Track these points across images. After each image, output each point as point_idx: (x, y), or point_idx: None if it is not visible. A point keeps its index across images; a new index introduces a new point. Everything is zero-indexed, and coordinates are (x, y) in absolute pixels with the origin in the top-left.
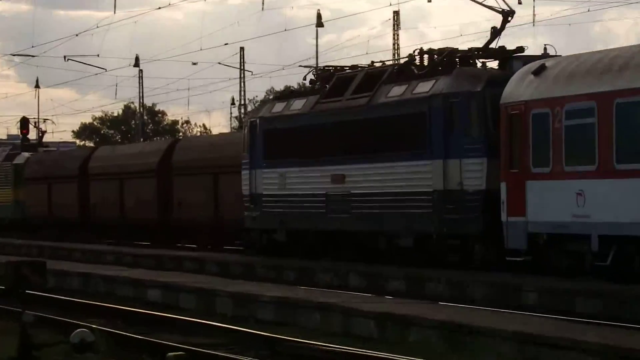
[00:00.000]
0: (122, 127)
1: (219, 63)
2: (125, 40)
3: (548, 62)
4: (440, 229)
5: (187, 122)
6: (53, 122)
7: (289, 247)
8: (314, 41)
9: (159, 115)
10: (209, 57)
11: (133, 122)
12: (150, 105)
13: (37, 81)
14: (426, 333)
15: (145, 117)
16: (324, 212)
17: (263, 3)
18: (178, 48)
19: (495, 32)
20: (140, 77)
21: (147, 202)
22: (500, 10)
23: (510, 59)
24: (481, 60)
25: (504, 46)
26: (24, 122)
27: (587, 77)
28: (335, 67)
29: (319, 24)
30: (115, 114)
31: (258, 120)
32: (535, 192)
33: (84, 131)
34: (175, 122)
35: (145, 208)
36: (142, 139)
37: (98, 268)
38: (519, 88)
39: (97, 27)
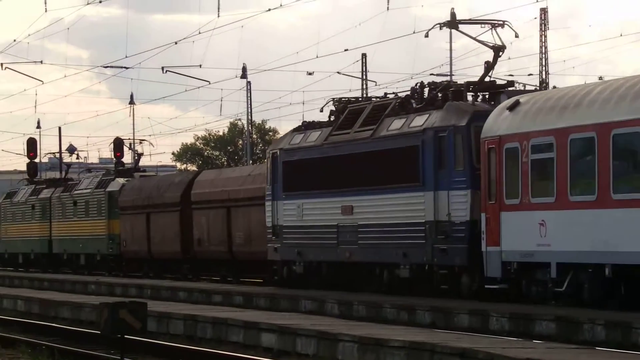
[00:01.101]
0: (228, 147)
1: (338, 72)
2: (231, 47)
3: (522, 98)
4: (432, 259)
5: None
6: (150, 144)
7: (306, 279)
8: (448, 45)
9: (270, 133)
10: (327, 66)
11: (240, 141)
12: (260, 122)
13: (131, 97)
14: None
15: (254, 136)
16: (336, 243)
17: (388, 2)
18: (291, 56)
19: (488, 67)
20: (248, 90)
21: (258, 233)
22: (492, 45)
23: (498, 93)
24: (479, 93)
25: (494, 80)
26: (118, 144)
27: (550, 114)
28: (349, 98)
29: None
30: (220, 133)
31: (278, 152)
32: (508, 223)
33: (185, 153)
34: None
35: (256, 241)
36: (251, 161)
37: (205, 309)
38: (496, 123)
39: (199, 33)
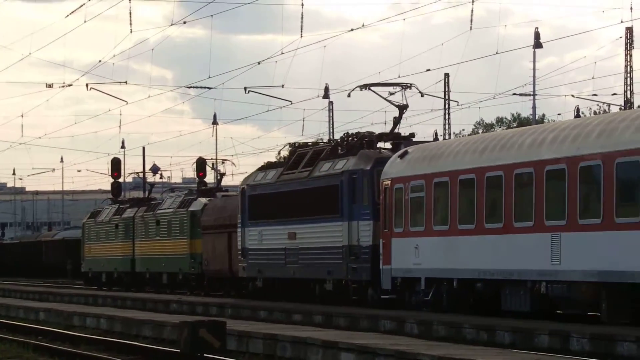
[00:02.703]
0: None
1: (420, 92)
2: (313, 67)
3: (410, 148)
4: (347, 275)
5: None
6: (233, 163)
7: (265, 292)
8: (532, 64)
9: None
10: None
11: None
12: None
13: (214, 117)
14: None
15: None
16: (283, 263)
17: (471, 22)
18: (373, 76)
19: (395, 121)
20: (331, 110)
21: None
22: (398, 104)
23: (399, 143)
24: (390, 142)
25: (399, 133)
26: (201, 164)
27: (423, 162)
28: (298, 144)
29: (537, 44)
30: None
31: (245, 187)
32: (396, 247)
33: None
34: None
35: None
36: None
37: (285, 329)
38: (390, 168)
39: (282, 53)
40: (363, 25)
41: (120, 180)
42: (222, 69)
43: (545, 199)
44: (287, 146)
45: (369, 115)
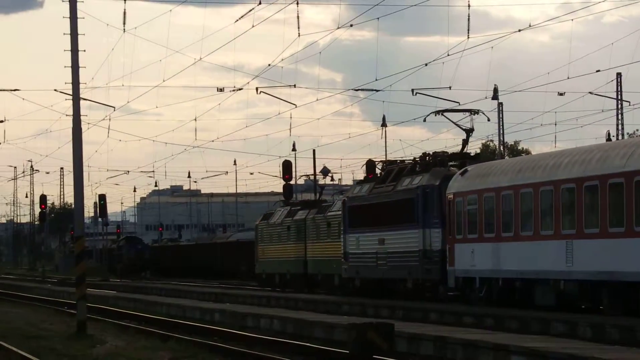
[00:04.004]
0: None
1: (591, 93)
2: (481, 68)
3: (470, 167)
4: (422, 275)
5: None
6: None
7: (362, 290)
8: None
9: (523, 154)
10: (579, 86)
11: None
12: (512, 143)
13: (383, 119)
14: None
15: (507, 157)
16: (375, 265)
17: None
18: (542, 76)
19: (464, 143)
20: (500, 111)
21: None
22: (464, 128)
23: (465, 162)
24: (456, 161)
25: (467, 153)
26: (370, 166)
27: (476, 179)
28: (387, 161)
29: None
30: (473, 154)
31: (346, 199)
32: (458, 251)
33: None
34: None
35: None
36: None
37: (454, 331)
38: (453, 183)
39: (448, 54)
40: (530, 26)
41: (292, 182)
42: (389, 71)
43: (561, 211)
44: (381, 163)
45: (538, 117)
